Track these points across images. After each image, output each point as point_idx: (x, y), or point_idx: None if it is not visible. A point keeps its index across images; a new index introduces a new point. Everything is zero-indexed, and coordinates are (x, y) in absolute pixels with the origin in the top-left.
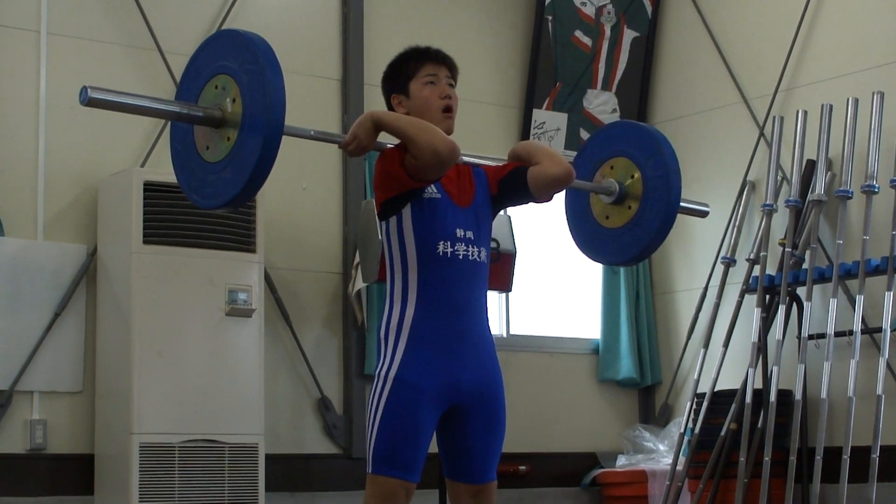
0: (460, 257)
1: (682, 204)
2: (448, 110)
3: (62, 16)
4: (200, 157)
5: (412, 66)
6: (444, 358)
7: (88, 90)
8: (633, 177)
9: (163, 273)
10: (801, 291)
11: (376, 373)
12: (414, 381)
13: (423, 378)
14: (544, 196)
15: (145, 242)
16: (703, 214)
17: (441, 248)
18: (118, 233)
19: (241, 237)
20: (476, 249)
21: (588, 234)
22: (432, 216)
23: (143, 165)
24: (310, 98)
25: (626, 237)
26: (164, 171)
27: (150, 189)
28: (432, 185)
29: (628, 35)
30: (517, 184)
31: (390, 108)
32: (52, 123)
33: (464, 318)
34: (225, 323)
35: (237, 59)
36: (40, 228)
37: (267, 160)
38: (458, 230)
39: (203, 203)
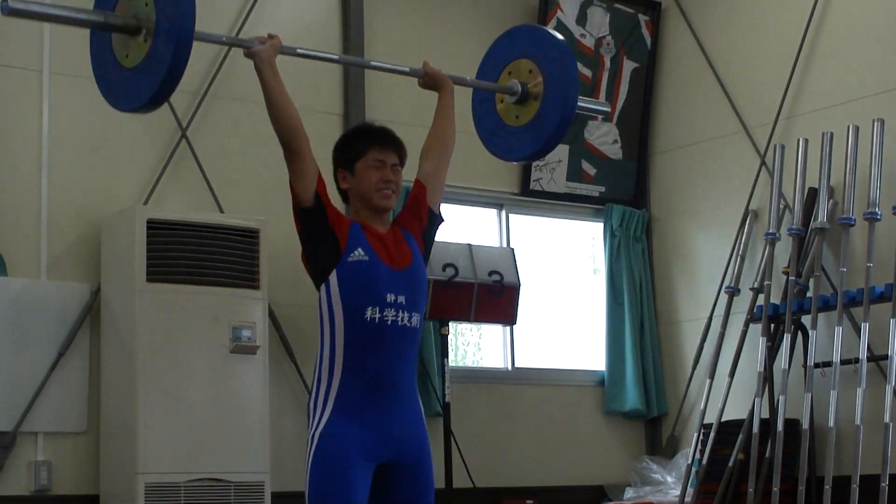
0: (388, 323)
1: (580, 104)
2: (385, 190)
3: (64, 55)
4: (119, 63)
5: (361, 147)
6: (372, 417)
7: (9, 1)
8: (535, 79)
9: (166, 311)
10: (806, 320)
11: (307, 439)
12: (341, 431)
13: (351, 428)
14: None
15: (149, 280)
16: (603, 114)
17: (369, 314)
18: (121, 271)
19: (244, 274)
20: (407, 314)
21: (494, 132)
22: (360, 281)
23: (145, 203)
24: (312, 133)
25: (529, 133)
26: (167, 208)
27: (153, 227)
28: (358, 248)
29: (628, 66)
30: (430, 195)
31: (336, 177)
32: (55, 162)
33: (390, 384)
34: (229, 360)
35: None
36: (44, 267)
37: (179, 63)
38: (388, 295)
39: (122, 106)
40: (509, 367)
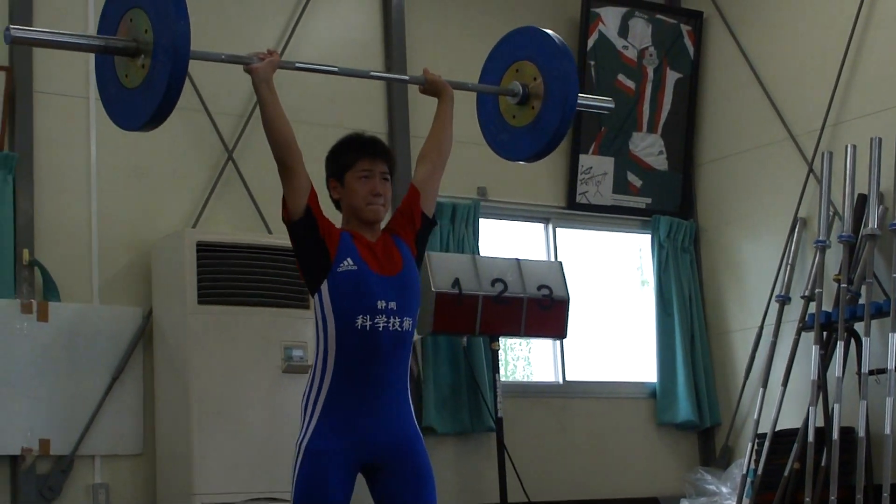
0: (380, 329)
1: (581, 101)
2: (374, 203)
3: None
4: (121, 84)
5: (350, 158)
6: (357, 423)
7: (11, 30)
8: (535, 79)
9: (218, 332)
10: (859, 327)
11: (295, 443)
12: (322, 448)
13: (331, 443)
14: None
15: (200, 302)
16: (606, 110)
17: (360, 322)
18: (173, 294)
19: (294, 294)
20: (398, 320)
21: (498, 133)
22: (350, 290)
23: (194, 226)
24: None
25: (531, 134)
26: (215, 231)
27: (203, 249)
28: (348, 258)
29: (671, 76)
30: (424, 200)
31: (328, 186)
32: (104, 188)
33: (380, 389)
34: (282, 380)
35: None
36: (96, 292)
37: (176, 82)
38: (379, 302)
39: (124, 125)
40: (560, 381)
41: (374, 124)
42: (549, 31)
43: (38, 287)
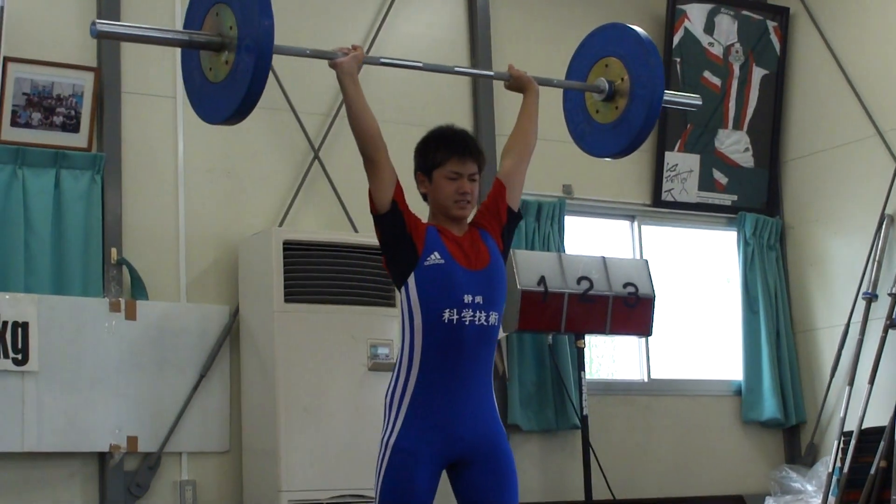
0: (466, 323)
1: (668, 98)
2: (461, 202)
3: None
4: (205, 78)
5: (439, 156)
6: (443, 418)
7: (97, 24)
8: (622, 78)
9: (305, 330)
10: None
11: (380, 439)
12: (410, 447)
13: (419, 443)
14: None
15: (286, 301)
16: (693, 107)
17: (447, 315)
18: (259, 292)
19: (380, 292)
20: (485, 314)
21: (583, 129)
22: (438, 283)
23: (280, 225)
24: None
25: (614, 132)
26: (303, 229)
27: (290, 248)
28: (435, 252)
29: (757, 73)
30: (510, 194)
31: (416, 178)
32: (191, 187)
33: (465, 384)
34: (368, 377)
35: None
36: (183, 291)
37: (259, 78)
38: (465, 296)
39: (208, 118)
40: (645, 379)
41: (459, 122)
42: (637, 29)
43: (126, 286)
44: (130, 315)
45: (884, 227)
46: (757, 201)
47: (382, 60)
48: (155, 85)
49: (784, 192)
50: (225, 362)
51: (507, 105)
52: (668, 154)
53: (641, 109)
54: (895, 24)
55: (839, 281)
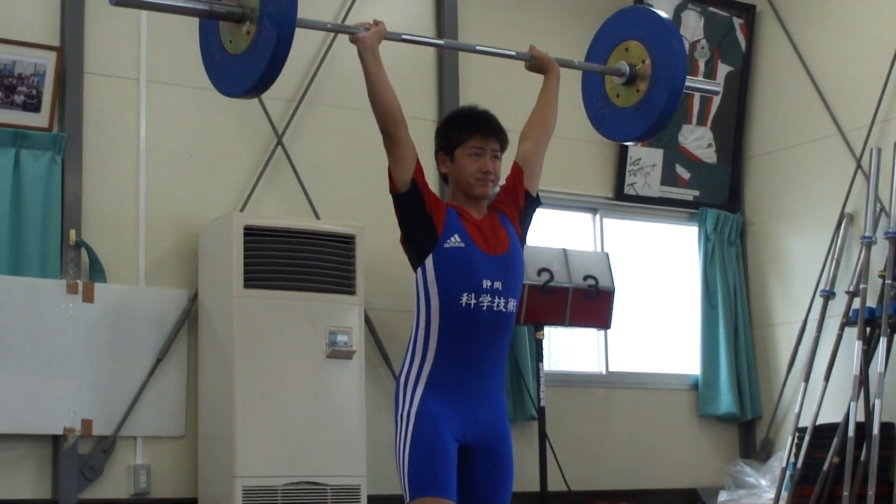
0: (484, 308)
1: (689, 84)
2: (484, 180)
3: (161, 63)
4: (225, 50)
5: (462, 135)
6: (459, 400)
7: None
8: (643, 61)
9: (264, 316)
10: None
11: (397, 417)
12: (434, 411)
13: (442, 409)
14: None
15: (246, 286)
16: (713, 93)
17: (465, 299)
18: (219, 277)
19: (340, 279)
20: (503, 300)
21: (602, 113)
22: (457, 267)
23: (242, 210)
24: None
25: (637, 114)
26: (263, 215)
27: (251, 233)
28: (455, 235)
29: (722, 69)
30: (528, 178)
31: (437, 159)
32: (153, 170)
33: (481, 369)
34: (326, 365)
35: None
36: (142, 274)
37: (282, 50)
38: (484, 281)
39: (227, 91)
40: (603, 371)
41: (424, 112)
42: (659, 11)
43: (85, 268)
44: (88, 297)
45: (843, 225)
46: (718, 197)
47: (404, 37)
48: (119, 66)
49: (745, 189)
50: (182, 347)
51: (472, 96)
52: (631, 148)
53: (664, 91)
54: (860, 25)
55: (798, 278)
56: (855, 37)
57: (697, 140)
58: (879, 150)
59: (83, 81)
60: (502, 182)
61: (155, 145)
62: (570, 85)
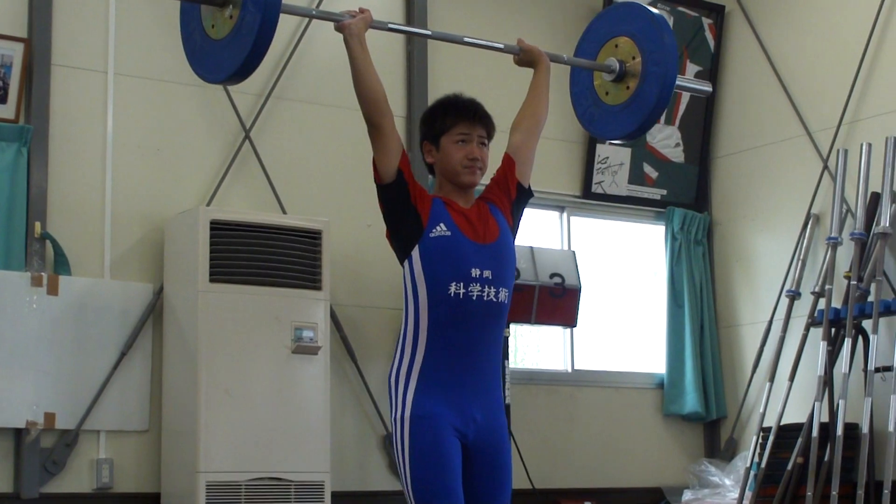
0: (474, 298)
1: (679, 83)
2: (471, 167)
3: (129, 56)
4: (206, 35)
5: (448, 121)
6: (455, 395)
7: None
8: (633, 58)
9: (229, 311)
10: (867, 324)
11: (392, 419)
12: (430, 412)
13: (438, 407)
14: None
15: (212, 281)
16: (703, 94)
17: (453, 289)
18: (184, 271)
19: (306, 274)
20: (493, 289)
21: (590, 111)
22: (443, 255)
23: (208, 204)
24: None
25: (627, 112)
26: (230, 209)
27: (217, 228)
28: (441, 224)
29: (691, 69)
30: (519, 169)
31: (422, 149)
32: (119, 163)
33: (473, 360)
34: (291, 360)
35: None
36: (107, 267)
37: (266, 34)
38: (473, 269)
39: (209, 77)
40: (569, 370)
41: (392, 107)
42: (650, 7)
43: (49, 260)
44: (53, 290)
45: (809, 226)
46: (686, 196)
47: (391, 26)
48: (86, 58)
49: (713, 189)
50: (147, 341)
51: (441, 87)
52: (599, 146)
53: (654, 87)
54: (828, 26)
55: (764, 278)
56: (823, 38)
57: (665, 139)
58: (846, 152)
59: (50, 73)
60: (492, 174)
61: (122, 138)
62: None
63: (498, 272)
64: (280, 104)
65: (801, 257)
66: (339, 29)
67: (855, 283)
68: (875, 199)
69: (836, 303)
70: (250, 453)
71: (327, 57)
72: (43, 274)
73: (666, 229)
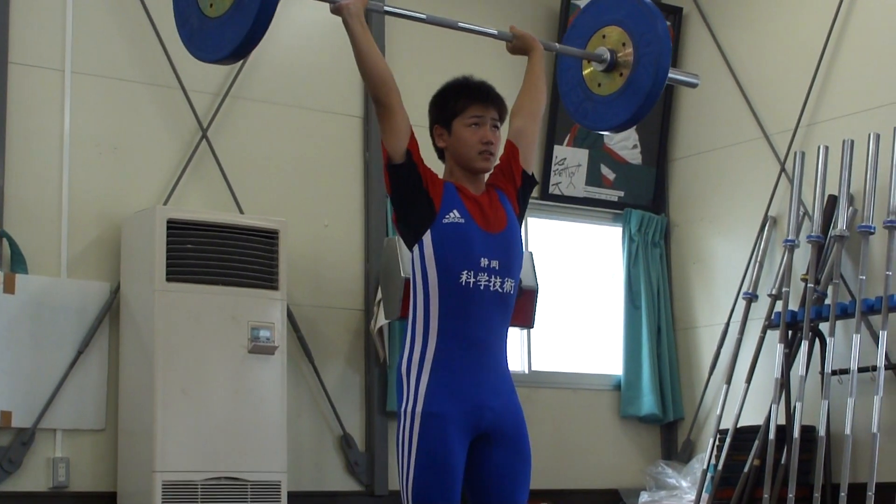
0: (482, 288)
1: (670, 75)
2: (486, 152)
3: (86, 54)
4: (204, 15)
5: (460, 104)
6: (468, 386)
7: None
8: (624, 45)
9: (185, 310)
10: (824, 327)
11: (402, 410)
12: (441, 411)
13: (449, 407)
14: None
15: (168, 280)
16: (692, 86)
17: (464, 277)
18: (141, 270)
19: (263, 274)
20: (500, 280)
21: (580, 101)
22: (456, 243)
23: (166, 203)
24: (332, 135)
25: (618, 103)
26: (187, 208)
27: (174, 227)
28: (454, 210)
29: None
30: (523, 156)
31: (432, 133)
32: (76, 161)
33: (483, 351)
34: (247, 360)
35: None
36: (64, 266)
37: (266, 13)
38: (482, 259)
39: (211, 57)
40: (526, 371)
41: (350, 108)
42: None
43: (6, 259)
44: (9, 289)
45: (766, 228)
46: (643, 198)
47: (387, 9)
48: (43, 57)
49: (670, 191)
50: (104, 340)
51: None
52: (556, 148)
53: (649, 69)
54: (786, 29)
55: (721, 280)
56: (781, 41)
57: (623, 141)
58: (803, 154)
59: (7, 71)
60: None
61: (79, 136)
62: (503, 88)
63: (506, 262)
64: (237, 103)
65: (759, 260)
66: (336, 11)
67: (812, 285)
68: (832, 202)
69: (794, 305)
70: (207, 453)
71: (285, 56)
72: None
73: (623, 231)
